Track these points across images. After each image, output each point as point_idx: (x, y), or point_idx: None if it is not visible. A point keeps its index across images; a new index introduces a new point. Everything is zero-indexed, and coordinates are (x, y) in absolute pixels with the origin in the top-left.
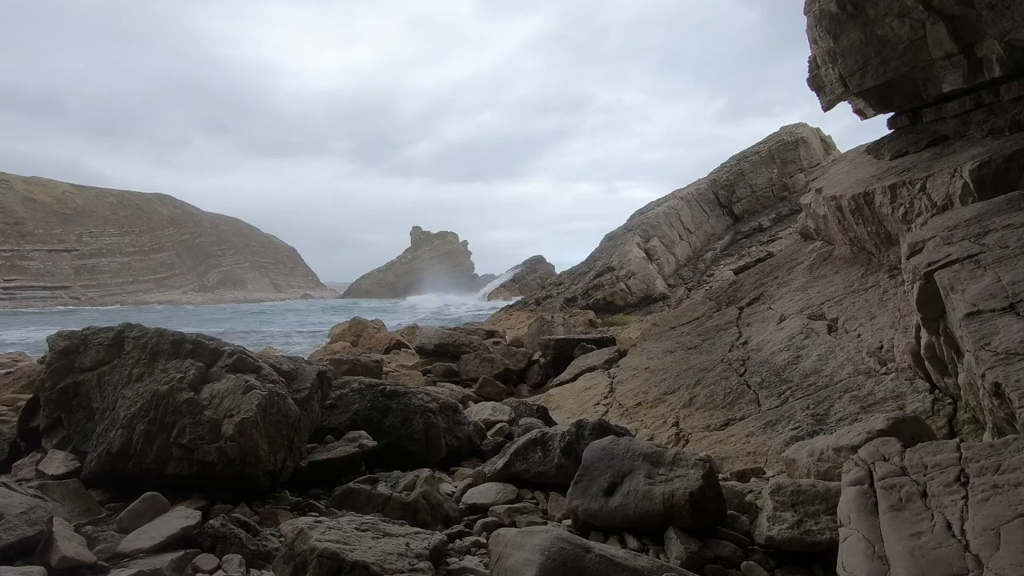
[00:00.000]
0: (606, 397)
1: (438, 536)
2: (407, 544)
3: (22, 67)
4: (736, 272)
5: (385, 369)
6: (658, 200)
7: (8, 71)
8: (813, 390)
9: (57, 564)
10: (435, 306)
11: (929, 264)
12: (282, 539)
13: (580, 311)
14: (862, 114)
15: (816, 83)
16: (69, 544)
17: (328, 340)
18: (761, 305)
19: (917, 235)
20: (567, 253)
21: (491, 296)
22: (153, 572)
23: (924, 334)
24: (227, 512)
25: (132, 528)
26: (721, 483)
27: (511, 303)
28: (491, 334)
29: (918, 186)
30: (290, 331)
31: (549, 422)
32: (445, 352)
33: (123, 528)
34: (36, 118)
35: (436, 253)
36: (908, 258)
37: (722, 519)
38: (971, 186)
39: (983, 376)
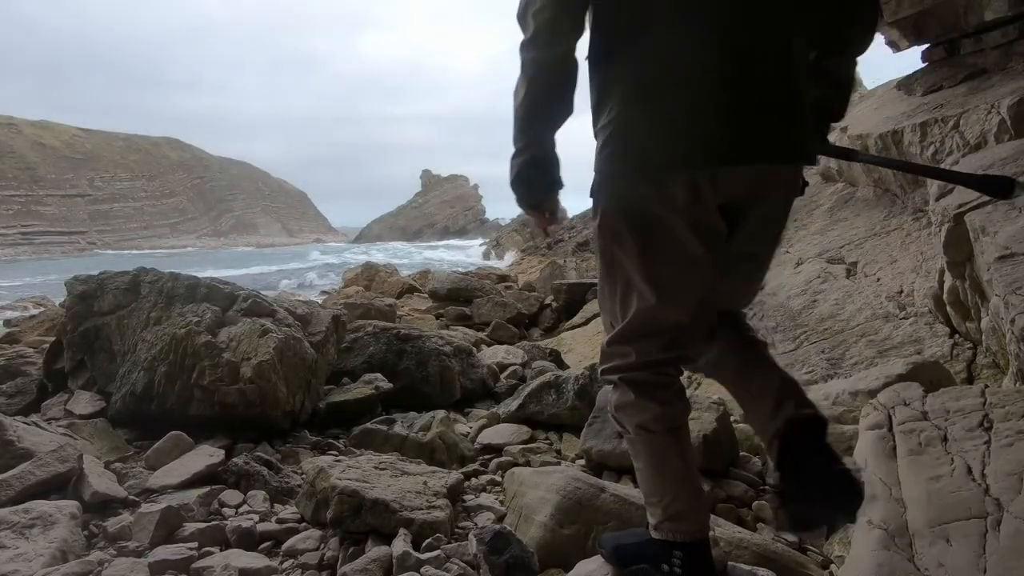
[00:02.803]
0: None
1: (455, 475)
2: (425, 482)
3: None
4: None
5: (399, 313)
6: None
7: None
8: (829, 334)
9: (90, 498)
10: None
11: (960, 205)
12: (304, 477)
13: (592, 255)
14: (895, 46)
15: None
16: (100, 480)
17: (342, 284)
18: (778, 249)
19: None
20: (581, 197)
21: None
22: (182, 506)
23: (948, 278)
24: (249, 451)
25: (159, 465)
26: (733, 425)
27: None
28: (503, 278)
29: (950, 123)
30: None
31: (562, 365)
32: (458, 296)
33: (150, 465)
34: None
35: (447, 197)
36: (937, 199)
37: (734, 460)
38: (1008, 123)
39: (1013, 321)
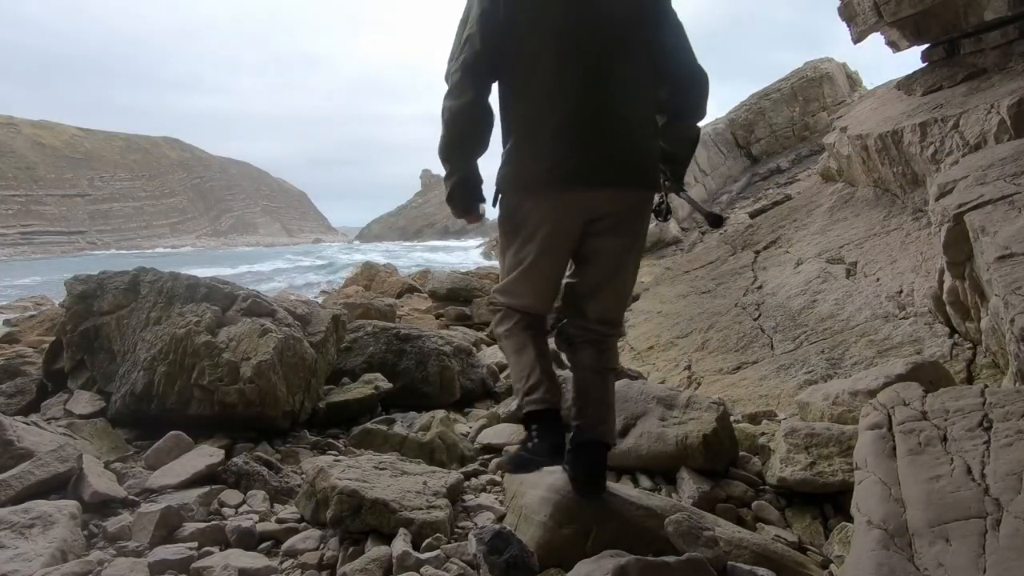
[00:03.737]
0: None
1: (454, 475)
2: (424, 482)
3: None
4: (752, 215)
5: (398, 313)
6: None
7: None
8: (828, 334)
9: (90, 498)
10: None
11: (960, 205)
12: (303, 476)
13: None
14: (895, 46)
15: (847, 13)
16: (100, 480)
17: (342, 284)
18: (778, 249)
19: (947, 175)
20: None
21: None
22: (182, 506)
23: (948, 278)
24: (249, 451)
25: (159, 465)
26: (732, 425)
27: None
28: None
29: (950, 123)
30: (305, 276)
31: (561, 365)
32: (458, 296)
33: (150, 465)
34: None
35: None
36: (936, 199)
37: (734, 460)
38: (1008, 123)
39: (1012, 321)
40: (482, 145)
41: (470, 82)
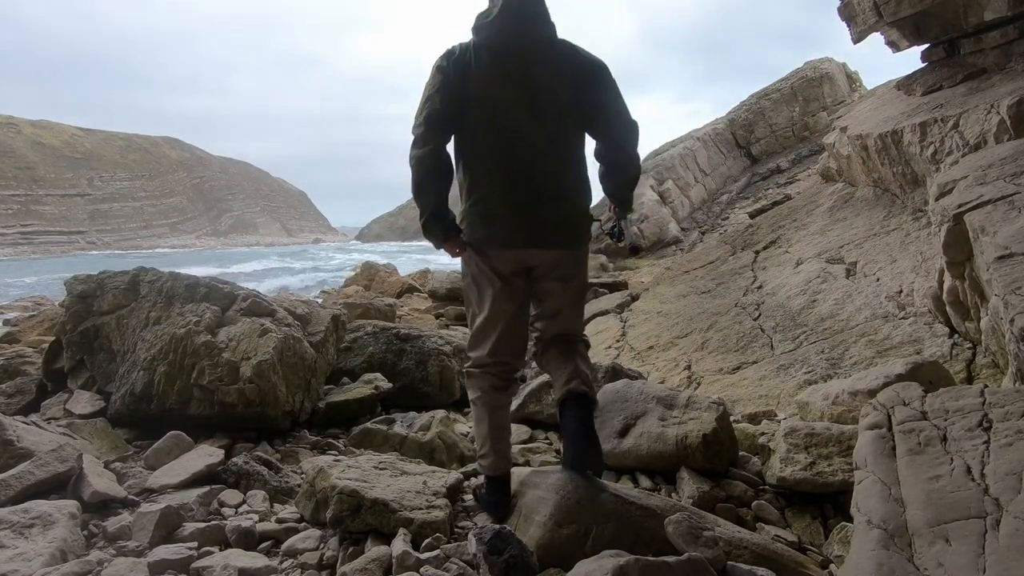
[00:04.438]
0: (618, 341)
1: (454, 474)
2: (424, 482)
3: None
4: (752, 215)
5: (398, 313)
6: (673, 141)
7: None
8: (828, 334)
9: (90, 498)
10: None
11: (959, 205)
12: (303, 476)
13: (591, 255)
14: (895, 46)
15: (847, 13)
16: (100, 480)
17: (342, 284)
18: (777, 249)
19: (947, 175)
20: None
21: None
22: (181, 506)
23: (947, 278)
24: (249, 451)
25: (158, 465)
26: (732, 425)
27: None
28: None
29: (950, 123)
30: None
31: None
32: (457, 296)
33: (150, 465)
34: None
35: None
36: (936, 199)
37: (734, 460)
38: (1008, 123)
39: (1012, 321)
40: (448, 182)
41: (432, 135)
